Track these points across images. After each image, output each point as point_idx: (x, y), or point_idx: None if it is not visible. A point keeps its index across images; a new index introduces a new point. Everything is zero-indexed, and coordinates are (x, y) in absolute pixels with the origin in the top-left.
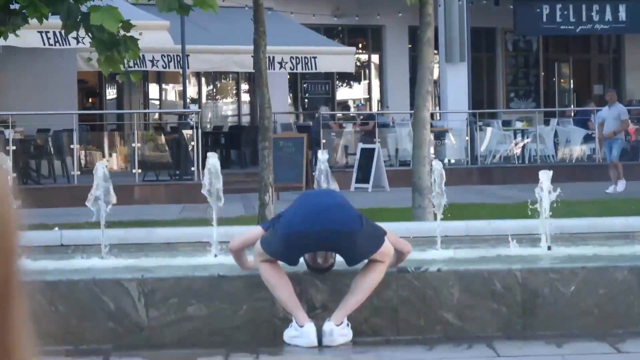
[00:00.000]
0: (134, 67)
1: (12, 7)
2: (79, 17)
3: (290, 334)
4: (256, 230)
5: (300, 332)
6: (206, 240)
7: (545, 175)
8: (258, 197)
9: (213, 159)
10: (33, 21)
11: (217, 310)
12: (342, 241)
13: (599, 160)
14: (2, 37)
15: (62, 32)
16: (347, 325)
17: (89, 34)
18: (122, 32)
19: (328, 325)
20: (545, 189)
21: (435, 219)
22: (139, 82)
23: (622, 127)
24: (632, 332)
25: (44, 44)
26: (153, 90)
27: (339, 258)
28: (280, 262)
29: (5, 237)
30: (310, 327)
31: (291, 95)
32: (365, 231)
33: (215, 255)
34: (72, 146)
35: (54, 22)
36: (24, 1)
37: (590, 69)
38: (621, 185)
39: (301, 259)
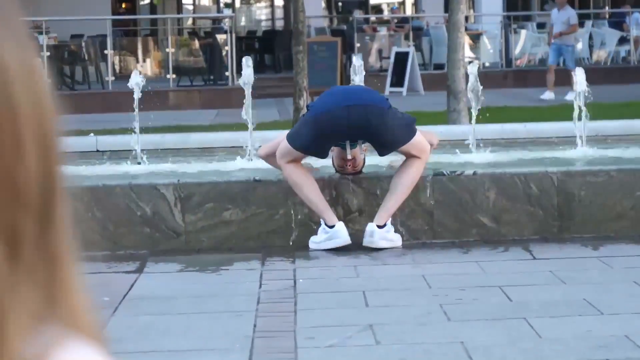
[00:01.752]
0: None
1: None
2: None
3: (319, 239)
4: (282, 136)
5: (332, 233)
6: (242, 144)
7: (580, 74)
8: (293, 101)
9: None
10: None
11: (254, 215)
12: (372, 120)
13: (634, 62)
14: None
15: None
16: (392, 230)
17: None
18: None
19: (370, 226)
20: (580, 88)
21: (470, 121)
22: None
23: (570, 31)
24: None
25: None
26: None
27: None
28: (305, 162)
29: (47, 136)
30: (341, 226)
31: None
32: (394, 114)
33: (251, 160)
34: (105, 52)
35: None
36: None
37: None
38: (548, 94)
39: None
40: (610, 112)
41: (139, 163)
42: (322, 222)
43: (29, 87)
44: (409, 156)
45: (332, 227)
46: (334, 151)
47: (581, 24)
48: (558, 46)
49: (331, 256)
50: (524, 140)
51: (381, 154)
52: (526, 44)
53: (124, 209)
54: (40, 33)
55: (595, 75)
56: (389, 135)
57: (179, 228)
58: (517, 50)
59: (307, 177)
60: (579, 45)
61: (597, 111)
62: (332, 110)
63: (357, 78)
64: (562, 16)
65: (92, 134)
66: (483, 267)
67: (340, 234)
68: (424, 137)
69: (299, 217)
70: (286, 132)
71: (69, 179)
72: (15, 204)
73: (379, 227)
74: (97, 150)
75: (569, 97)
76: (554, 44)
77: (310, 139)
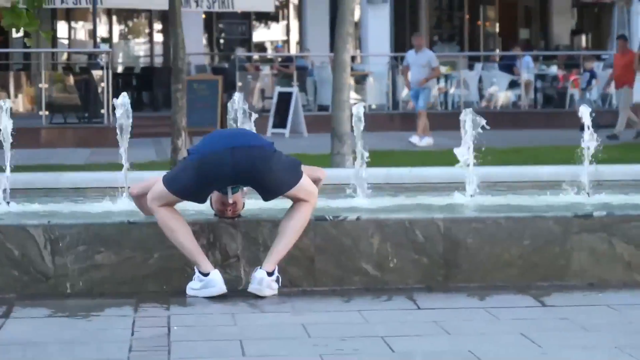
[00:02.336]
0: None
1: None
2: None
3: (194, 287)
4: (158, 178)
5: (207, 281)
6: (116, 185)
7: (469, 118)
8: (171, 141)
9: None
10: None
11: (127, 259)
12: (257, 163)
13: (525, 107)
14: None
15: None
16: (278, 279)
17: None
18: None
19: (260, 273)
20: (469, 133)
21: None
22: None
23: (433, 75)
24: (557, 284)
25: None
26: (62, 28)
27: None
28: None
29: None
30: (216, 274)
31: (206, 35)
32: (279, 157)
33: (125, 201)
34: None
35: None
36: None
37: (517, 12)
38: (426, 140)
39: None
40: (500, 157)
41: (8, 203)
42: (196, 269)
43: None
44: (297, 200)
45: (206, 274)
46: (213, 194)
47: (471, 67)
48: (416, 91)
49: (208, 303)
50: (410, 185)
51: (266, 199)
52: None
53: None
54: None
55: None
56: (275, 179)
57: (49, 271)
58: (404, 93)
59: (180, 222)
60: (435, 90)
61: (487, 156)
62: (216, 152)
63: (238, 114)
64: (420, 59)
65: None
66: (365, 317)
67: (215, 283)
68: (309, 174)
69: (175, 261)
70: (161, 173)
71: None
72: None
73: (268, 274)
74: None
75: (417, 141)
76: (413, 90)
77: (191, 184)
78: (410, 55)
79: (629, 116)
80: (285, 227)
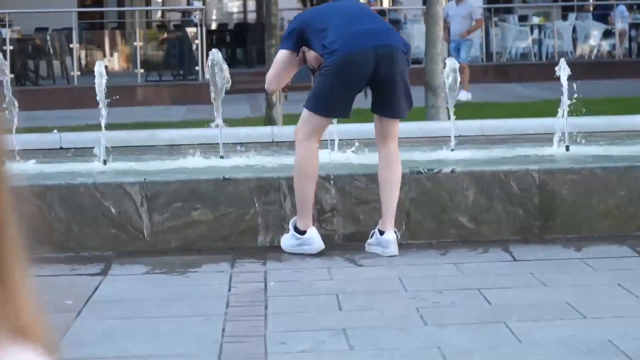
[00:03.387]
0: None
1: None
2: None
3: (291, 243)
4: (283, 54)
5: (304, 239)
6: (212, 141)
7: (564, 69)
8: (265, 97)
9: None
10: None
11: (223, 215)
12: (396, 68)
13: (619, 56)
14: None
15: None
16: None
17: None
18: None
19: (391, 235)
20: (563, 83)
21: (449, 117)
22: None
23: (476, 27)
24: None
25: None
26: None
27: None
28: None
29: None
30: (314, 232)
31: None
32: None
33: (222, 157)
34: (71, 46)
35: None
36: None
37: None
38: (464, 95)
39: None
40: (595, 107)
41: (104, 161)
42: (291, 224)
43: None
44: (390, 137)
45: (303, 232)
46: (309, 53)
47: (564, 17)
48: (457, 43)
49: (304, 258)
50: (505, 137)
51: (393, 114)
52: (508, 37)
53: (88, 208)
54: (4, 26)
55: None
56: (402, 94)
57: (146, 229)
58: (498, 44)
59: (315, 170)
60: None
61: (581, 107)
62: (358, 52)
63: None
64: (461, 10)
65: (55, 131)
66: (461, 269)
67: (313, 241)
68: None
69: (271, 217)
70: (257, 129)
71: (30, 178)
72: None
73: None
74: (61, 148)
75: (463, 97)
76: (453, 42)
77: (336, 94)
78: (450, 8)
79: None
80: (391, 179)
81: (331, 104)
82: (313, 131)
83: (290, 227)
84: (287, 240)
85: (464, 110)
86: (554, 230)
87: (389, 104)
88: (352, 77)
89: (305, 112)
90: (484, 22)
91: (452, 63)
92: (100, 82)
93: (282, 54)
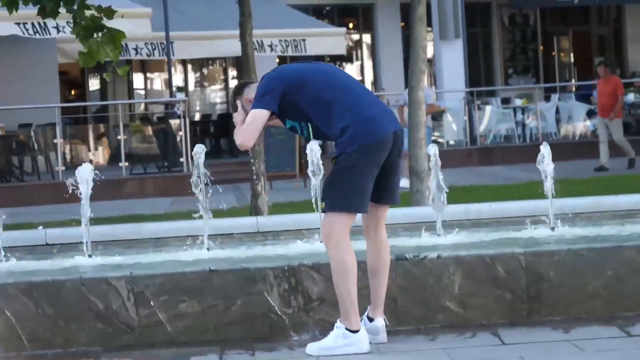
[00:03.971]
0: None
1: None
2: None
3: (333, 343)
4: (263, 114)
5: (354, 338)
6: (198, 233)
7: (546, 150)
8: (250, 186)
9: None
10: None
11: (210, 307)
12: (400, 153)
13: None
14: None
15: (40, 20)
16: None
17: (69, 22)
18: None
19: (381, 322)
20: (547, 164)
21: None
22: (126, 74)
23: (428, 112)
24: None
25: (23, 33)
26: (138, 79)
27: None
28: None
29: None
30: (364, 332)
31: None
32: None
33: (208, 249)
34: (55, 141)
35: (33, 11)
36: None
37: (591, 41)
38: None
39: None
40: (579, 188)
41: (90, 256)
42: (339, 324)
43: None
44: (383, 223)
45: (356, 331)
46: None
47: (547, 98)
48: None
49: (293, 347)
50: (490, 220)
51: (392, 201)
52: (491, 120)
53: (75, 304)
54: None
55: (564, 150)
56: (397, 179)
57: (133, 322)
58: (481, 127)
59: (354, 260)
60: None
61: (565, 188)
62: (384, 139)
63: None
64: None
65: (40, 227)
66: (450, 354)
67: (363, 341)
68: None
69: (258, 307)
70: (242, 220)
71: (16, 275)
72: None
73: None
74: (47, 244)
75: (403, 184)
76: (407, 128)
77: (365, 185)
78: (407, 93)
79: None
80: (383, 267)
81: (362, 197)
82: (347, 229)
83: (339, 327)
84: (329, 342)
85: (448, 194)
86: (542, 313)
87: (391, 189)
88: (377, 164)
89: (332, 215)
90: (437, 107)
91: (433, 151)
92: (87, 191)
93: (262, 115)
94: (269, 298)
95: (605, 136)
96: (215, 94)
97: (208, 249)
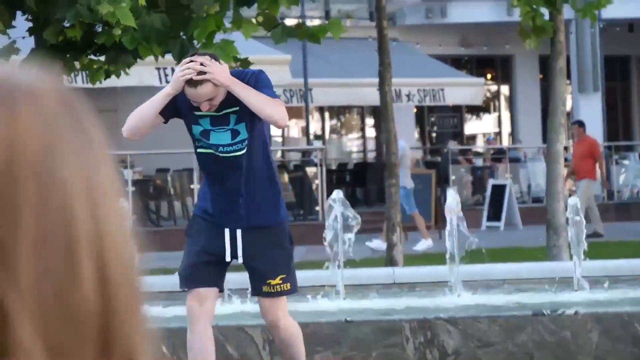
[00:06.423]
0: None
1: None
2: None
3: None
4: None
5: None
6: (332, 283)
7: None
8: (385, 237)
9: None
10: (148, 58)
11: (346, 357)
12: None
13: None
14: (114, 76)
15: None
16: None
17: None
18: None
19: None
20: None
21: (571, 258)
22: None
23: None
24: None
25: (160, 82)
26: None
27: None
28: None
29: (130, 281)
30: None
31: (418, 129)
32: None
33: (343, 299)
34: (192, 186)
35: (170, 58)
36: (132, 42)
37: None
38: (422, 244)
39: None
40: None
41: (224, 302)
42: None
43: (93, 206)
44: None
45: None
46: None
47: None
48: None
49: None
50: (628, 277)
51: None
52: (629, 175)
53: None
54: (125, 167)
55: None
56: None
57: None
58: (620, 182)
59: None
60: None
61: None
62: None
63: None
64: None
65: (177, 273)
66: None
67: None
68: None
69: (394, 359)
70: (377, 270)
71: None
72: (69, 329)
73: None
74: (184, 290)
75: (420, 247)
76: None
77: None
78: (402, 143)
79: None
80: None
81: None
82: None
83: None
84: None
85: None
86: None
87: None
88: None
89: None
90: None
91: (572, 201)
92: None
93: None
94: (405, 350)
95: None
96: (352, 142)
97: (344, 299)
